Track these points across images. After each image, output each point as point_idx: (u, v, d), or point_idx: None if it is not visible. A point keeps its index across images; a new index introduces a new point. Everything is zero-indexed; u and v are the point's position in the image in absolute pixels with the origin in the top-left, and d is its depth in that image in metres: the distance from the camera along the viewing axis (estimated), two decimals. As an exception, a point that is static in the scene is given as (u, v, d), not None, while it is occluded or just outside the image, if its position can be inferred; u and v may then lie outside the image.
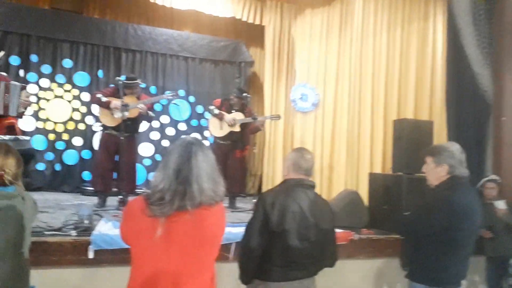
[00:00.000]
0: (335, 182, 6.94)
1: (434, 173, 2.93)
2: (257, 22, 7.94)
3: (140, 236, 1.84)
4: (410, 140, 4.90)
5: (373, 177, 5.36)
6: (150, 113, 5.63)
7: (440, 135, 5.57)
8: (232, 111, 6.12)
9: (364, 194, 5.41)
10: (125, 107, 5.25)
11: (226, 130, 6.04)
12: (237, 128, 6.03)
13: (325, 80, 7.42)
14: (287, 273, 2.56)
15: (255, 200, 5.62)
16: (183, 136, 2.02)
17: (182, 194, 1.82)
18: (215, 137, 6.19)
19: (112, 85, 5.82)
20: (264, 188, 7.80)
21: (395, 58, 6.35)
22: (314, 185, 2.72)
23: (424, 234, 2.86)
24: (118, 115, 5.34)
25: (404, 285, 3.13)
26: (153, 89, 7.78)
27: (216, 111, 6.05)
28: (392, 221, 4.51)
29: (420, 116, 6.09)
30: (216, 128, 6.10)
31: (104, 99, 5.45)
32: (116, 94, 5.54)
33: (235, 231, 3.97)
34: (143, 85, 6.69)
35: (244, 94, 6.17)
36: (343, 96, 7.04)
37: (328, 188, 7.03)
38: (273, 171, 7.82)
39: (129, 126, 5.46)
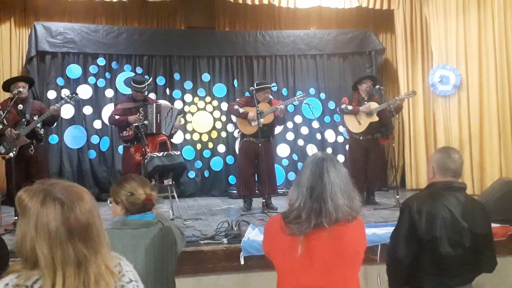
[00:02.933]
0: (488, 171, 6.36)
1: None
2: (385, 7, 7.63)
3: (281, 253, 1.92)
4: None
5: (533, 163, 4.81)
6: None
7: None
8: (365, 103, 5.98)
9: (523, 182, 4.86)
10: (260, 114, 5.49)
11: (365, 124, 5.91)
12: (375, 118, 5.87)
13: (467, 58, 6.83)
14: (440, 281, 2.42)
15: (398, 196, 5.52)
16: (314, 153, 2.03)
17: (317, 211, 1.83)
18: (353, 134, 6.08)
19: (247, 94, 6.10)
20: (408, 180, 7.48)
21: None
22: (465, 187, 2.53)
23: None
24: (255, 123, 5.61)
25: None
26: (284, 91, 7.95)
27: (350, 107, 5.96)
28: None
29: None
30: (354, 125, 6.00)
31: (241, 110, 5.76)
32: (250, 102, 5.82)
33: (380, 232, 3.89)
34: (274, 88, 6.88)
35: (381, 87, 5.96)
36: (489, 74, 6.42)
37: (480, 178, 6.46)
38: (415, 162, 7.44)
39: (265, 132, 5.71)
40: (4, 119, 5.01)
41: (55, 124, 5.95)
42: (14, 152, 5.02)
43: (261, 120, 5.56)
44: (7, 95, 6.98)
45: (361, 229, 1.95)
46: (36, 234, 1.21)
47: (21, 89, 5.22)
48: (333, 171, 1.89)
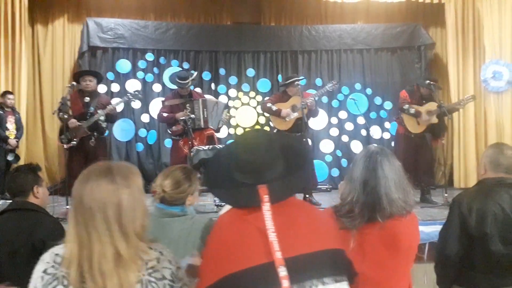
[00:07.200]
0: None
1: None
2: (435, 1, 7.41)
3: (333, 247, 1.91)
4: None
5: None
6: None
7: None
8: (423, 101, 5.79)
9: None
10: (293, 108, 5.52)
11: (423, 126, 5.74)
12: (435, 120, 5.70)
13: (522, 54, 6.55)
14: (491, 280, 2.35)
15: (446, 195, 5.36)
16: (367, 146, 2.01)
17: (371, 206, 1.81)
18: (408, 132, 5.89)
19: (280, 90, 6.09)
20: (456, 179, 7.26)
21: None
22: (518, 184, 2.44)
23: None
24: (290, 117, 5.61)
25: None
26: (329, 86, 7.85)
27: (412, 110, 5.72)
28: None
29: None
30: (414, 125, 5.80)
31: (274, 108, 5.75)
32: (282, 98, 5.83)
33: (427, 231, 3.82)
34: (303, 82, 6.76)
35: (432, 83, 5.77)
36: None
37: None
38: (464, 160, 7.21)
39: (300, 126, 5.64)
40: (69, 110, 5.24)
41: (116, 121, 6.20)
42: (74, 143, 5.22)
43: (295, 114, 5.57)
44: (58, 88, 7.37)
45: (415, 224, 1.92)
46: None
47: (87, 82, 5.46)
48: (387, 164, 1.86)
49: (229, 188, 1.43)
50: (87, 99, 5.38)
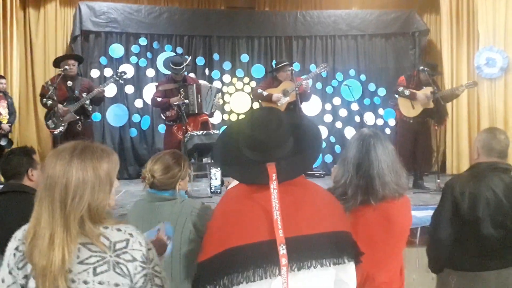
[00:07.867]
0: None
1: None
2: (430, -14, 7.40)
3: (326, 229, 1.93)
4: None
5: None
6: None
7: None
8: (423, 87, 5.76)
9: None
10: (285, 93, 5.54)
11: (419, 109, 5.71)
12: (430, 105, 5.69)
13: (516, 41, 6.55)
14: (482, 263, 2.39)
15: (438, 181, 5.40)
16: (361, 130, 2.01)
17: (364, 188, 1.83)
18: (404, 116, 5.86)
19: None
20: (448, 165, 7.30)
21: None
22: (511, 169, 2.46)
23: None
24: (282, 102, 5.60)
25: None
26: (323, 73, 7.82)
27: (407, 92, 5.73)
28: None
29: None
30: (408, 108, 5.79)
31: (264, 93, 5.74)
32: (272, 84, 5.84)
33: (419, 215, 3.86)
34: (296, 67, 6.71)
35: (425, 68, 5.74)
36: (539, 57, 6.13)
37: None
38: (457, 146, 7.25)
39: (292, 110, 5.62)
40: (54, 95, 5.20)
41: (102, 103, 6.15)
42: (62, 128, 5.20)
43: (287, 99, 5.57)
44: (51, 72, 7.29)
45: (407, 207, 1.94)
46: None
47: (70, 66, 5.40)
48: (380, 147, 1.87)
49: (238, 165, 1.44)
50: (69, 83, 5.39)
